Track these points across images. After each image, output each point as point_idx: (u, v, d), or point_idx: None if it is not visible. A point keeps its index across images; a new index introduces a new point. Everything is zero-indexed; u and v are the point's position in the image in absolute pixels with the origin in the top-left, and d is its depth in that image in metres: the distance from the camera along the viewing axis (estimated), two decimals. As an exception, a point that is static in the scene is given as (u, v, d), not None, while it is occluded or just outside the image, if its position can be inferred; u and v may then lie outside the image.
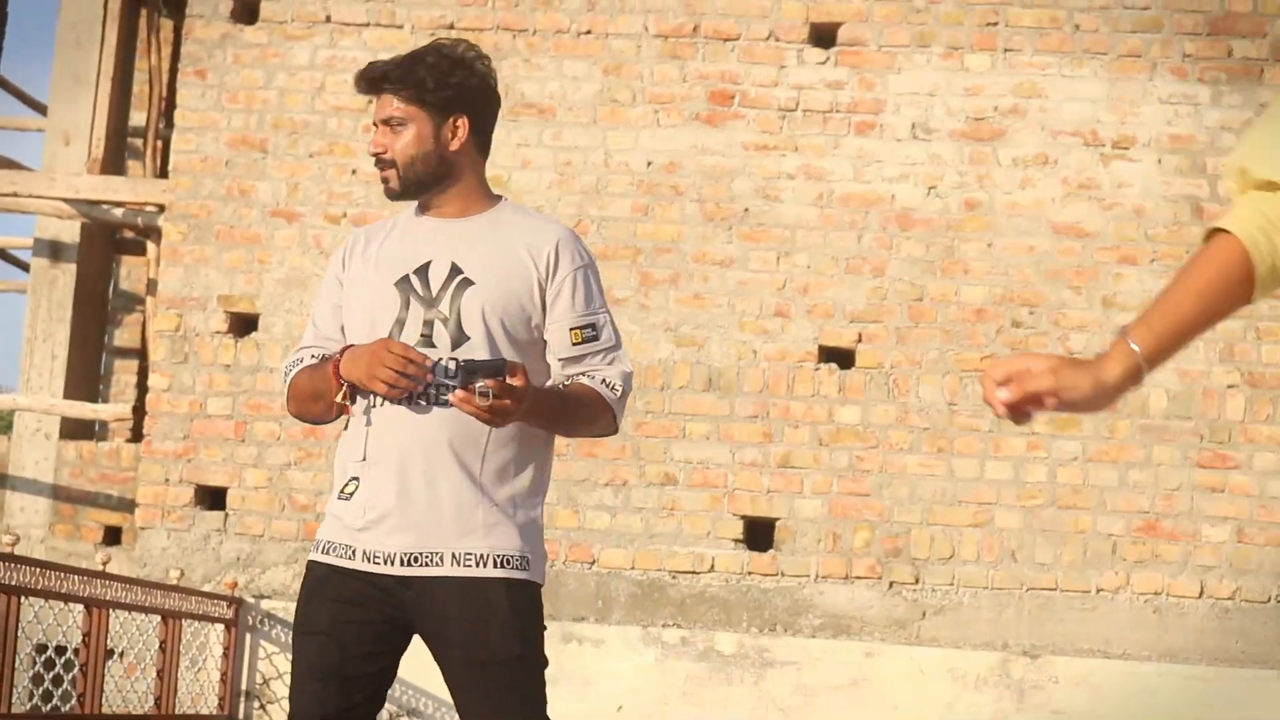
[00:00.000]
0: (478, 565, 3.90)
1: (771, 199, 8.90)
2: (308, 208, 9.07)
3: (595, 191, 8.98)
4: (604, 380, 4.03)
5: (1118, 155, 8.79)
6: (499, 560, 3.91)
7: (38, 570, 6.99)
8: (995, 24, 8.90)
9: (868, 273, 8.81)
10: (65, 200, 9.89)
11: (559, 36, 9.10)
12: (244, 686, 8.65)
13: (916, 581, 8.59)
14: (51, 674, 7.79)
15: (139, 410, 9.82)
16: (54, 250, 10.39)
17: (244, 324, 9.15)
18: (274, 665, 8.64)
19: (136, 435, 10.08)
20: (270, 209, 9.13)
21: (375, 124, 4.09)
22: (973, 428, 8.64)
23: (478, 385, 3.74)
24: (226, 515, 9.00)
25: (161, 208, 9.58)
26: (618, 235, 8.93)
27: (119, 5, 10.45)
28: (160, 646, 7.90)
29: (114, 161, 10.46)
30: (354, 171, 9.06)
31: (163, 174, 10.50)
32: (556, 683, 8.43)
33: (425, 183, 4.05)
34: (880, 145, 8.90)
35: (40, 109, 12.28)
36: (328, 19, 9.20)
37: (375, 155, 4.07)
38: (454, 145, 4.04)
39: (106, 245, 11.00)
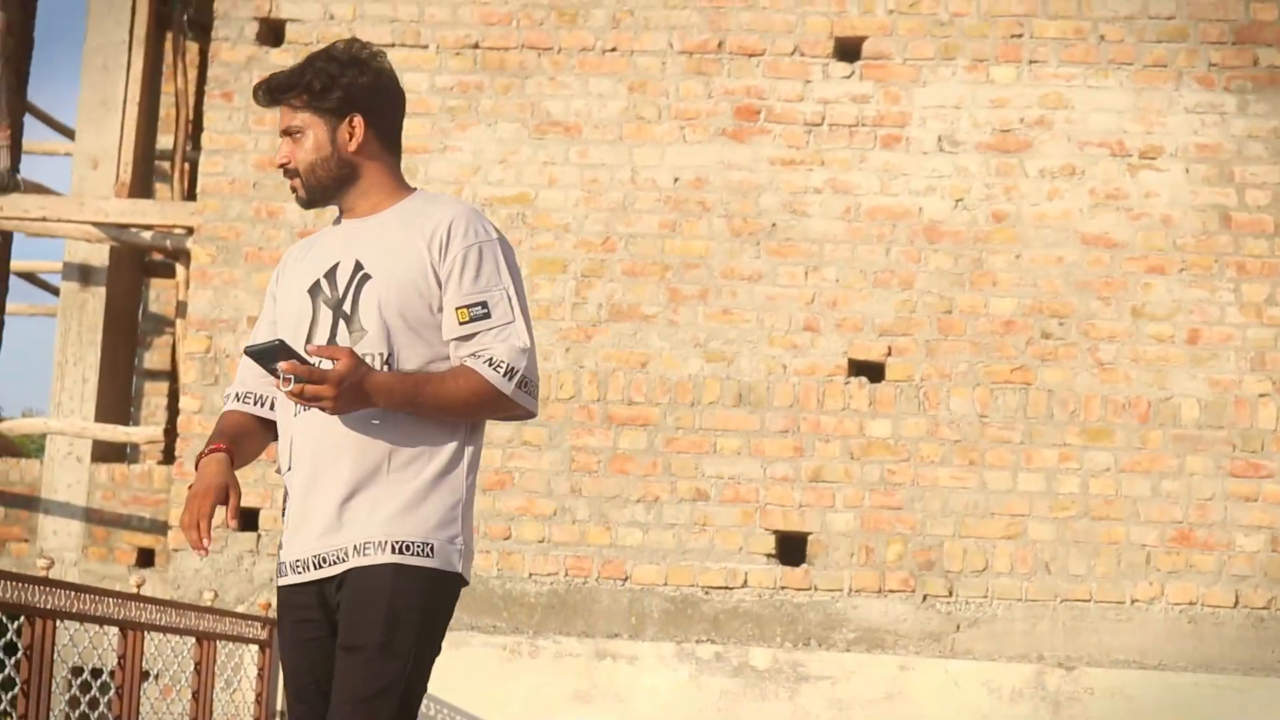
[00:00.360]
0: (376, 551, 3.87)
1: (799, 213, 8.91)
2: (336, 228, 9.09)
3: (622, 208, 8.99)
4: (489, 359, 3.92)
5: (1145, 165, 8.78)
6: (395, 546, 3.87)
7: (73, 593, 6.99)
8: (1020, 36, 8.90)
9: (896, 286, 8.81)
10: (94, 224, 9.92)
11: (584, 54, 9.12)
12: (279, 707, 8.65)
13: (950, 594, 8.58)
14: (88, 697, 7.81)
15: (170, 432, 9.85)
16: (83, 274, 10.43)
17: (274, 345, 9.17)
18: (308, 685, 8.64)
19: (168, 457, 10.11)
20: (298, 230, 9.15)
21: (281, 136, 4.09)
22: (1004, 439, 8.64)
23: (279, 370, 3.77)
24: (259, 536, 9.02)
25: (190, 230, 9.61)
26: (645, 252, 8.94)
27: (145, 30, 10.50)
28: (195, 668, 7.90)
29: (142, 185, 10.50)
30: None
31: (190, 197, 10.55)
32: (590, 700, 8.48)
33: (329, 187, 4.05)
34: (907, 158, 8.90)
35: (68, 133, 12.34)
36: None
37: (281, 167, 4.06)
38: (352, 146, 4.02)
39: (136, 268, 11.05)
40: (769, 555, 8.70)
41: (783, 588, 8.66)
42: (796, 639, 8.62)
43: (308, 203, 4.09)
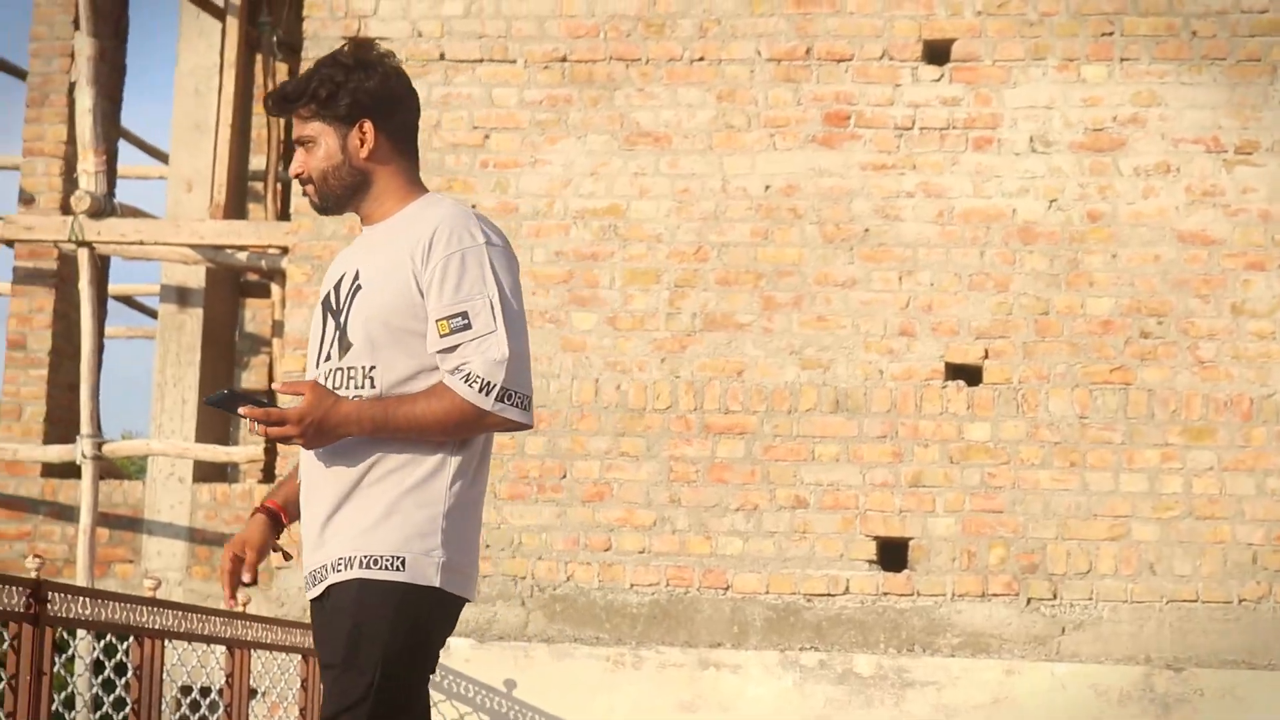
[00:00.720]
0: (346, 568, 3.80)
1: (891, 218, 8.88)
2: (430, 245, 9.12)
3: (714, 217, 8.99)
4: (466, 375, 3.78)
5: (1241, 160, 8.70)
6: (364, 561, 3.78)
7: (180, 613, 7.06)
8: (1110, 33, 8.85)
9: (991, 288, 8.76)
10: (190, 246, 10.01)
11: (672, 64, 9.13)
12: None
13: (1054, 597, 8.52)
14: (197, 715, 7.88)
15: (270, 451, 9.91)
16: (180, 296, 10.53)
17: (371, 362, 9.21)
18: (413, 700, 8.68)
19: (269, 476, 10.18)
20: (393, 247, 9.19)
21: (295, 145, 4.03)
22: (1105, 440, 8.57)
23: (240, 416, 3.79)
24: (360, 553, 9.05)
25: (285, 250, 9.68)
26: (738, 260, 8.94)
27: (235, 52, 10.59)
28: (302, 685, 7.96)
29: (236, 206, 10.59)
30: (473, 207, 9.08)
31: (284, 216, 10.62)
32: (696, 710, 8.48)
33: (343, 195, 3.97)
34: (999, 160, 8.86)
35: (162, 157, 12.46)
36: (441, 56, 9.27)
37: (295, 177, 4.00)
38: (363, 153, 3.92)
39: (232, 289, 11.14)
40: (870, 561, 8.67)
41: (885, 594, 8.63)
42: (900, 645, 8.59)
43: (322, 210, 4.02)
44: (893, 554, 8.69)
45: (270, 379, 11.37)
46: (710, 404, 8.86)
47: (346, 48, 4.01)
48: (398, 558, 3.77)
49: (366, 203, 3.98)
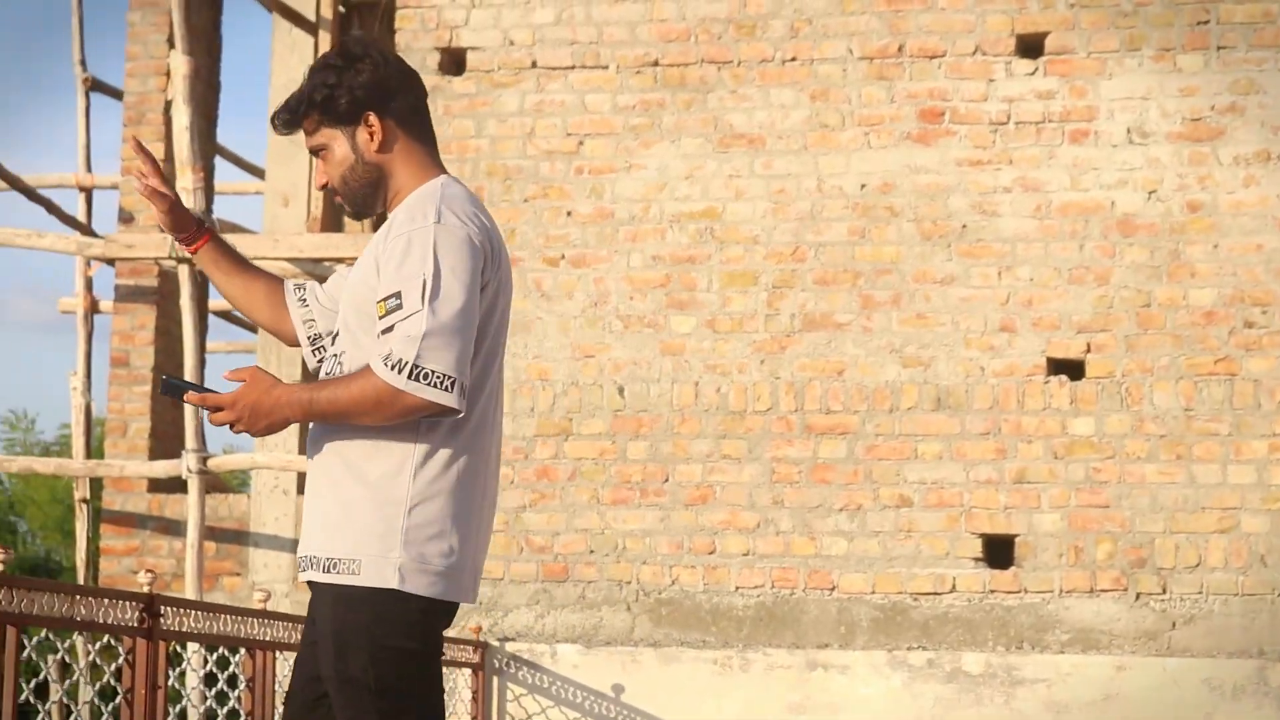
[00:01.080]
0: (317, 570, 3.76)
1: (989, 213, 8.83)
2: (525, 252, 9.16)
3: (810, 218, 8.97)
4: (386, 354, 3.68)
5: (1343, 146, 8.61)
6: (326, 564, 3.73)
7: (290, 625, 7.11)
8: (1206, 22, 8.76)
9: (1092, 282, 8.70)
10: (288, 260, 10.06)
11: (764, 66, 9.11)
12: (493, 729, 8.73)
13: (1164, 591, 8.45)
14: (308, 725, 7.92)
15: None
16: (280, 310, 10.57)
17: (471, 371, 9.24)
18: (522, 707, 8.72)
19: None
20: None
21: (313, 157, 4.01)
22: (1211, 432, 8.49)
23: (186, 402, 3.80)
24: (465, 561, 9.08)
25: (382, 261, 9.71)
26: (836, 259, 8.91)
27: (328, 66, 10.63)
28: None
29: (332, 219, 10.64)
30: (569, 213, 9.14)
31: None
32: (805, 711, 8.46)
33: (366, 194, 3.90)
34: (1096, 152, 8.79)
35: (258, 172, 12.53)
36: (533, 64, 9.30)
37: (321, 189, 3.99)
38: (373, 146, 3.87)
39: (330, 302, 11.17)
40: (976, 559, 8.63)
41: (992, 591, 8.59)
42: (1009, 642, 8.53)
43: (355, 215, 4.02)
44: (999, 551, 8.65)
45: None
46: (811, 404, 8.84)
47: (333, 48, 3.99)
48: (354, 560, 3.71)
49: (390, 195, 3.91)
